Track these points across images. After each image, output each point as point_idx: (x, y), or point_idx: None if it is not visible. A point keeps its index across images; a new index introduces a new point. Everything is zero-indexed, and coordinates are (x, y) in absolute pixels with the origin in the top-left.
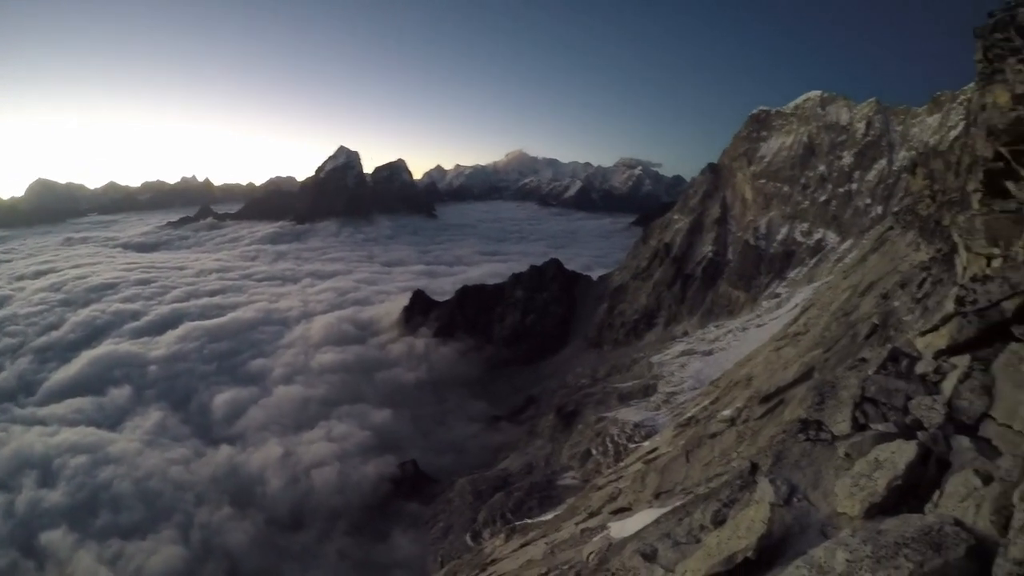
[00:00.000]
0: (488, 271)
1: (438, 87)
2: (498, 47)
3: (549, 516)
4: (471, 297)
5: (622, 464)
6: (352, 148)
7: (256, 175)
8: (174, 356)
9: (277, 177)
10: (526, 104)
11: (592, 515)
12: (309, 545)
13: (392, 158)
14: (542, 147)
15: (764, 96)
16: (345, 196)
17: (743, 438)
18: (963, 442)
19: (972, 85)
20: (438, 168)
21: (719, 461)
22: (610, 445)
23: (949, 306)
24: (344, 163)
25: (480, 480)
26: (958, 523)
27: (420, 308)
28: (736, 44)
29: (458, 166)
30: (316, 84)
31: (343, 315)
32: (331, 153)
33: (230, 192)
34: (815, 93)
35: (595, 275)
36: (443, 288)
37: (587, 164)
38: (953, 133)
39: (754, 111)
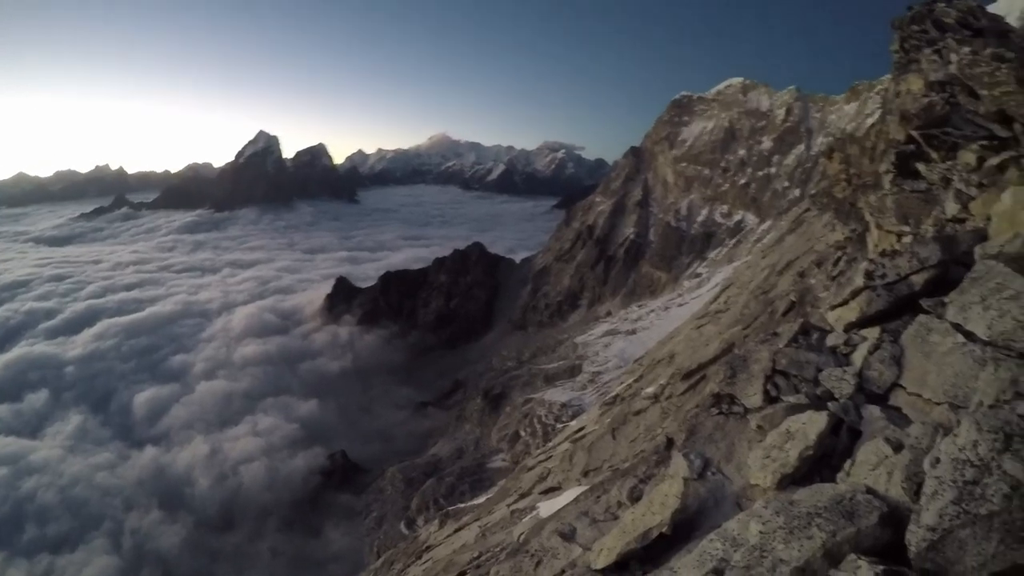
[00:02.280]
0: (411, 256)
1: (360, 70)
2: (420, 28)
3: (481, 499)
4: (394, 283)
5: (550, 444)
6: (272, 132)
7: (173, 162)
8: (92, 355)
9: (194, 163)
10: (449, 87)
11: (523, 496)
12: (241, 545)
13: (313, 142)
14: (465, 130)
15: (687, 82)
16: (265, 182)
17: (667, 414)
18: (874, 411)
19: (889, 76)
20: (360, 152)
21: (644, 437)
22: (538, 426)
23: (859, 280)
24: (264, 148)
25: (411, 467)
26: (870, 491)
27: (343, 295)
28: (660, 29)
29: (380, 150)
30: (235, 66)
31: (265, 305)
32: (250, 138)
33: (146, 180)
34: (737, 80)
35: (518, 258)
36: (366, 274)
37: (510, 147)
38: (870, 121)
39: (676, 96)
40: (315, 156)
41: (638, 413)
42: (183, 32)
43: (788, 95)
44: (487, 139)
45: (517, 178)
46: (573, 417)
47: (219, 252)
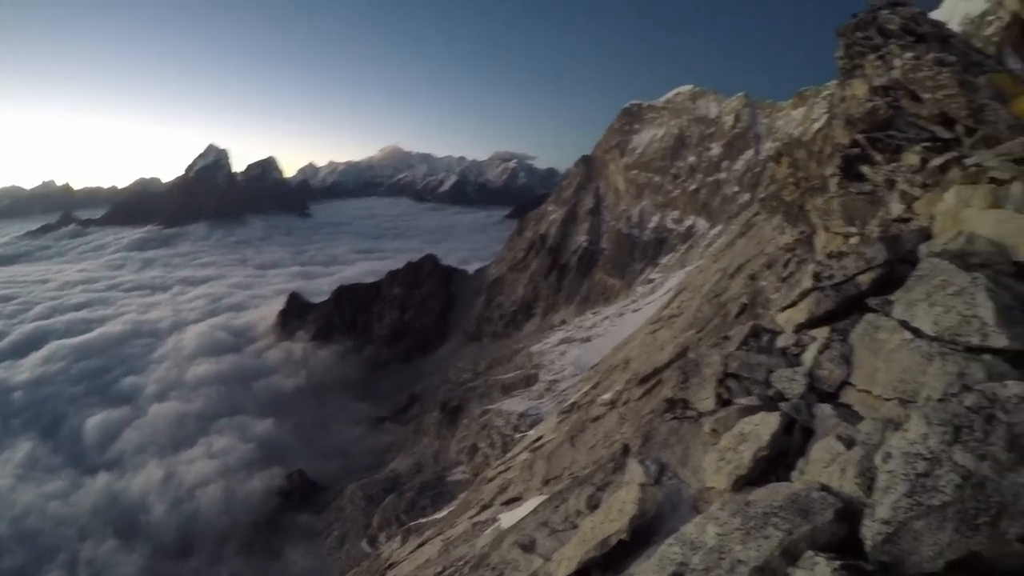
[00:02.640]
0: (364, 269)
1: (311, 81)
2: (371, 40)
3: (443, 513)
4: (348, 297)
5: (510, 455)
6: (222, 146)
7: (121, 177)
8: (40, 379)
9: (143, 178)
10: (401, 98)
11: (484, 508)
12: (200, 570)
13: (263, 155)
14: (417, 142)
15: (637, 90)
16: (215, 197)
17: (624, 419)
18: (825, 410)
19: (834, 81)
20: (311, 165)
21: (603, 444)
22: (497, 437)
23: (807, 282)
24: (214, 162)
25: (370, 484)
26: (824, 488)
27: (296, 311)
28: (610, 38)
29: (331, 163)
30: (184, 77)
31: (217, 323)
32: (200, 151)
33: (93, 196)
34: (686, 88)
35: (472, 269)
36: (319, 289)
37: (462, 158)
38: (816, 125)
39: (627, 105)
40: (266, 169)
41: (596, 420)
42: (130, 43)
43: (736, 101)
44: (439, 150)
45: (469, 189)
46: (531, 426)
47: (169, 269)
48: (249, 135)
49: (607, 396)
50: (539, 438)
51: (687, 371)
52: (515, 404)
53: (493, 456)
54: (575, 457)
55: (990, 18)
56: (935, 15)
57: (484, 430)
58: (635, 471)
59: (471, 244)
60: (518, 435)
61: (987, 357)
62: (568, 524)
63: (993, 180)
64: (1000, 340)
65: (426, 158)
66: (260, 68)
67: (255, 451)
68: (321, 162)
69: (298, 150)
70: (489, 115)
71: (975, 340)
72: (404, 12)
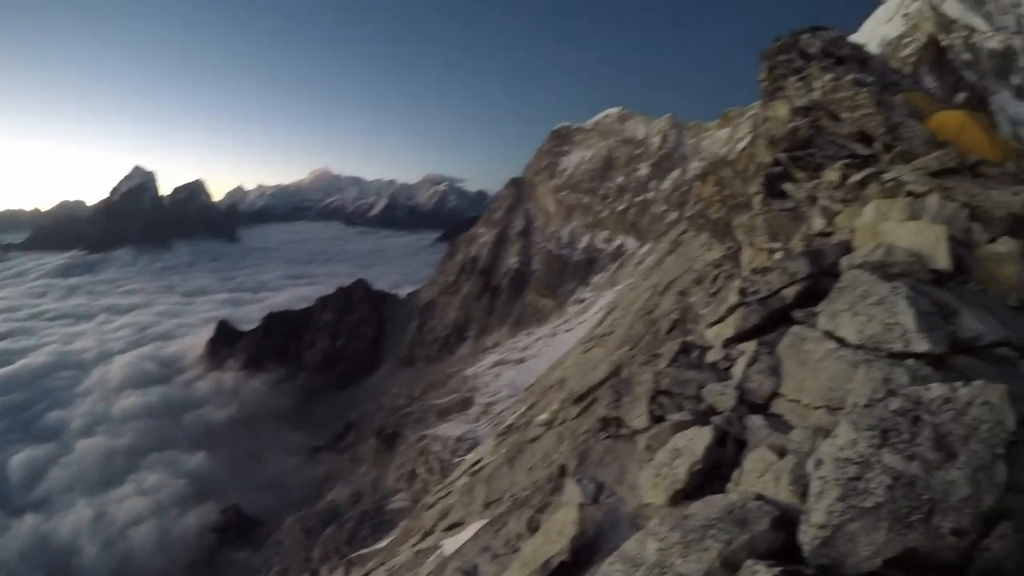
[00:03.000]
0: (294, 296)
1: (240, 102)
2: (301, 61)
3: (384, 543)
4: (278, 324)
5: (449, 480)
6: (148, 167)
7: (43, 199)
8: None
9: (66, 201)
10: (330, 121)
11: (426, 535)
12: None
13: (191, 178)
14: (347, 165)
15: (566, 112)
16: (141, 221)
17: (562, 439)
18: (756, 421)
19: (758, 102)
20: (239, 189)
21: (542, 464)
22: (435, 462)
23: (733, 298)
24: (139, 184)
25: (308, 516)
26: (760, 497)
27: (226, 339)
28: (539, 61)
29: (260, 186)
30: (109, 96)
31: (144, 353)
32: (126, 173)
33: (13, 219)
34: (614, 110)
35: (403, 293)
36: (249, 316)
37: (392, 181)
38: (741, 145)
39: (556, 127)
40: (193, 193)
41: (533, 440)
42: (52, 59)
43: (663, 123)
44: (369, 173)
45: (400, 212)
46: (469, 450)
47: (94, 297)
48: (176, 157)
49: (543, 416)
50: (478, 461)
51: (619, 390)
52: (452, 428)
53: (432, 482)
54: (515, 479)
55: (907, 40)
56: (854, 38)
57: (422, 456)
58: (573, 491)
59: (402, 268)
60: (456, 459)
61: (910, 362)
62: (510, 548)
63: (910, 193)
64: (922, 345)
65: (356, 181)
66: (188, 87)
67: (188, 487)
68: (250, 185)
69: (227, 173)
70: (419, 138)
71: (898, 346)
72: (333, 34)
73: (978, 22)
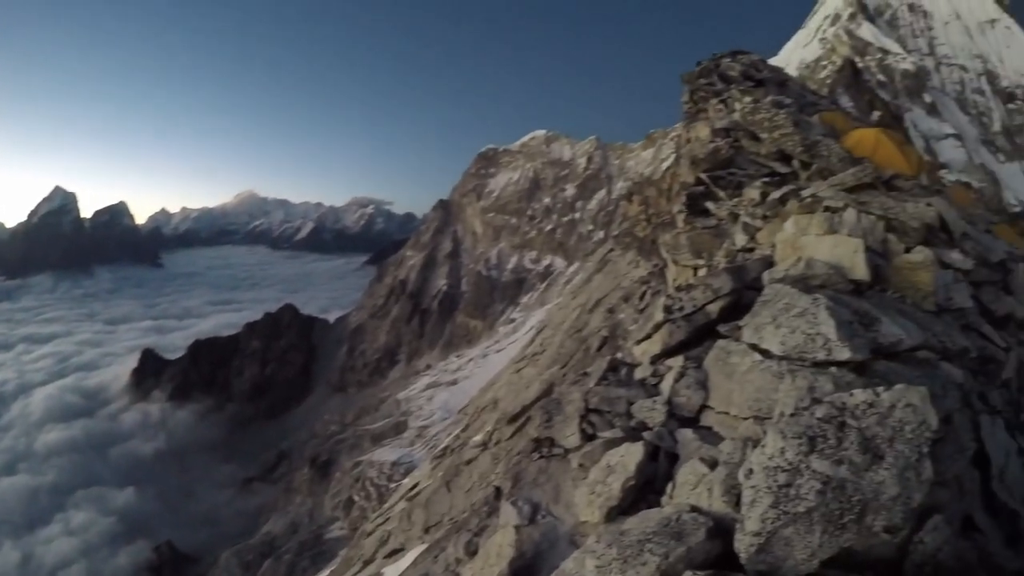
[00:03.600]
0: (221, 322)
1: (164, 121)
2: (228, 81)
3: (325, 573)
4: (205, 352)
5: (387, 506)
6: (69, 188)
7: None
8: None
9: None
10: (256, 142)
11: (367, 563)
12: None
13: (113, 200)
14: (273, 187)
15: (492, 135)
16: (61, 245)
17: (497, 459)
18: (687, 434)
19: (681, 124)
20: (163, 211)
21: (479, 486)
22: (371, 488)
23: (659, 315)
24: (60, 206)
25: (245, 550)
26: (694, 509)
27: (151, 369)
28: (466, 84)
29: (185, 209)
30: (28, 114)
31: (66, 385)
32: (45, 194)
33: None
34: (540, 132)
35: (332, 318)
36: (174, 344)
37: (319, 204)
38: (665, 164)
39: (483, 149)
40: (115, 216)
41: (469, 462)
42: None
43: (589, 144)
44: (296, 196)
45: (327, 235)
46: (406, 474)
47: (12, 326)
48: (98, 177)
49: (478, 438)
50: (415, 486)
51: (550, 410)
52: (387, 453)
53: (370, 508)
54: (453, 502)
55: (824, 63)
56: (774, 61)
57: (358, 482)
58: (508, 513)
59: (330, 292)
60: (393, 485)
61: (833, 370)
62: (449, 573)
63: (828, 208)
64: (843, 353)
65: (283, 204)
66: (111, 105)
67: (117, 524)
68: (174, 208)
69: (150, 194)
70: (346, 160)
71: (821, 355)
72: (259, 54)
73: (892, 45)
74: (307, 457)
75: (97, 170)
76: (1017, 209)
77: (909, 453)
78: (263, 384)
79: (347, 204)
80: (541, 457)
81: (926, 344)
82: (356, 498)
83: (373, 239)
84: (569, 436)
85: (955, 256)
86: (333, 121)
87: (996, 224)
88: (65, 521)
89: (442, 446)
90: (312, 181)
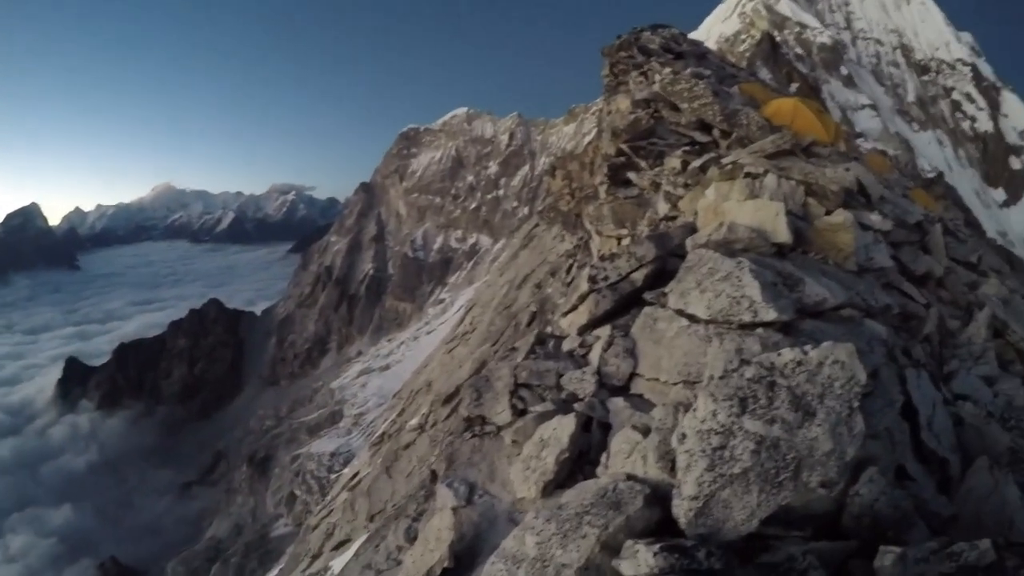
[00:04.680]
0: (145, 323)
1: (73, 115)
2: (138, 69)
3: (274, 572)
4: (131, 356)
5: (329, 497)
6: None
7: None
8: None
9: None
10: (171, 132)
11: (315, 558)
12: None
13: (24, 202)
14: (191, 178)
15: (413, 114)
16: None
17: (435, 441)
18: (618, 403)
19: (602, 98)
20: (77, 211)
21: (419, 469)
22: (312, 481)
23: (584, 286)
24: None
25: (191, 557)
26: (630, 477)
27: (77, 378)
28: (385, 64)
29: (100, 206)
30: None
31: None
32: None
33: None
34: (462, 110)
35: (259, 310)
36: (99, 350)
37: (239, 193)
38: (587, 139)
39: (404, 129)
40: (28, 218)
41: (407, 447)
42: None
43: (511, 121)
44: (215, 186)
45: (248, 225)
46: (345, 464)
47: None
48: (5, 180)
49: (414, 421)
50: (355, 475)
51: (479, 388)
52: (325, 444)
53: (313, 502)
54: (394, 488)
55: (743, 37)
56: (694, 35)
57: (298, 476)
58: (444, 495)
59: (256, 284)
60: (334, 475)
61: (760, 331)
62: (392, 562)
63: (748, 175)
64: (769, 314)
65: (201, 195)
66: (16, 100)
67: (58, 545)
68: (88, 206)
69: (63, 194)
70: (265, 147)
71: (747, 317)
72: (171, 42)
73: (809, 19)
74: (245, 455)
75: (3, 172)
76: (931, 175)
77: (840, 409)
78: (193, 384)
79: (268, 192)
80: (474, 436)
81: (850, 303)
82: (298, 492)
83: (296, 226)
84: (500, 413)
85: (874, 218)
86: (250, 107)
87: (912, 189)
88: (3, 547)
89: (379, 432)
90: (231, 170)
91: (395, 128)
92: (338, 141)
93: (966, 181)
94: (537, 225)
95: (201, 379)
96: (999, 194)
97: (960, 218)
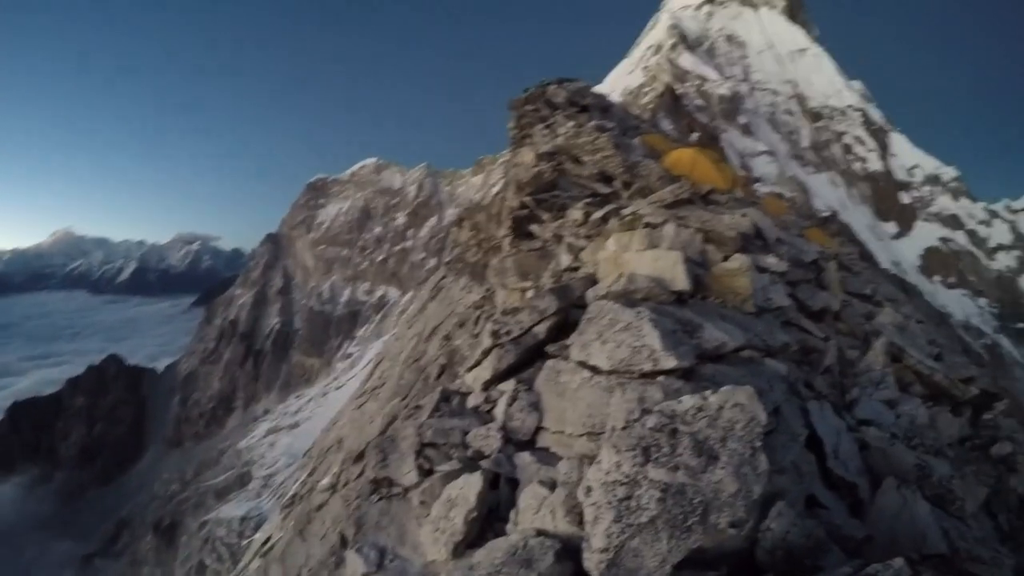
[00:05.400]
0: (41, 379)
1: None
2: (39, 111)
3: None
4: (25, 415)
5: (241, 565)
6: None
7: None
8: None
9: None
10: (73, 177)
11: None
12: None
13: None
14: (92, 225)
15: (322, 164)
16: None
17: (348, 501)
18: (525, 458)
19: (508, 150)
20: None
21: (332, 532)
22: (223, 549)
23: (487, 340)
24: None
25: None
26: (540, 533)
27: None
28: (294, 112)
29: None
30: None
31: None
32: None
33: None
34: (371, 160)
35: (161, 366)
36: None
37: (141, 242)
38: (495, 190)
39: (312, 179)
40: None
41: (320, 508)
42: None
43: (419, 172)
44: (116, 233)
45: (151, 276)
46: (257, 529)
47: None
48: None
49: (326, 481)
50: (268, 540)
51: (385, 449)
52: (234, 509)
53: (224, 571)
54: (309, 551)
55: (647, 89)
56: (599, 88)
57: (207, 544)
58: (354, 562)
59: (158, 339)
60: (245, 541)
61: (661, 379)
62: None
63: (648, 225)
64: (669, 361)
65: (103, 243)
66: None
67: None
68: None
69: None
70: (170, 195)
71: (648, 366)
72: (73, 86)
73: (709, 72)
74: (149, 523)
75: None
76: (826, 214)
77: (742, 450)
78: (92, 446)
79: (172, 241)
80: (381, 499)
81: (749, 344)
82: (208, 561)
83: (200, 278)
84: (407, 473)
85: (770, 260)
86: (156, 154)
87: (808, 228)
88: None
89: (290, 494)
90: (134, 217)
91: (303, 178)
92: (245, 190)
93: (859, 217)
94: (445, 277)
95: (101, 441)
96: (891, 227)
97: (855, 252)
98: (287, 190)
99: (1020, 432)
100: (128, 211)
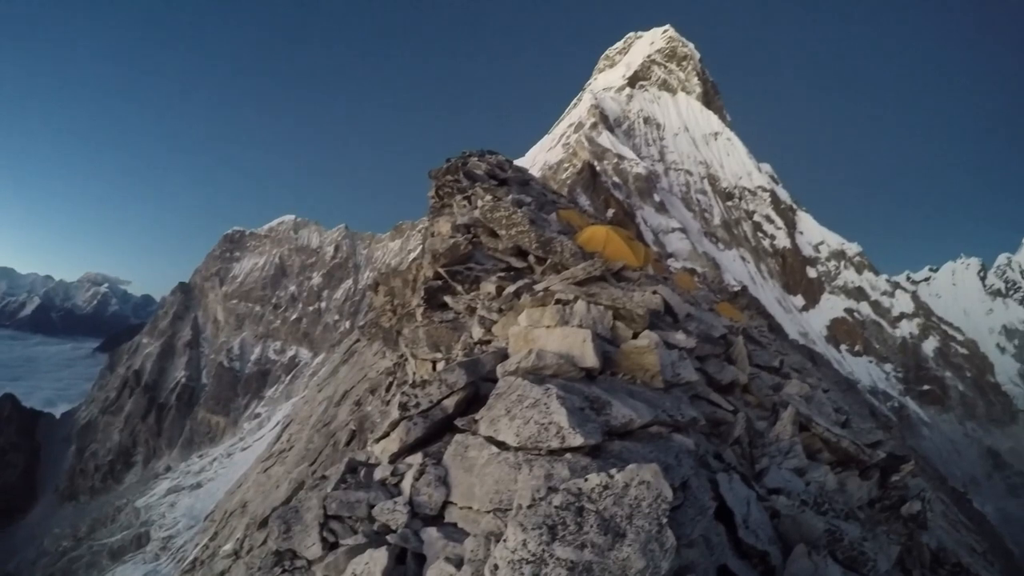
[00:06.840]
0: None
1: None
2: None
3: None
4: None
5: None
6: None
7: None
8: None
9: None
10: None
11: None
12: None
13: None
14: None
15: (239, 216)
16: None
17: (252, 569)
18: (432, 533)
19: (427, 217)
20: None
21: None
22: None
23: (395, 412)
24: None
25: None
26: None
27: None
28: (213, 163)
29: None
30: None
31: None
32: None
33: None
34: (289, 217)
35: (59, 412)
36: None
37: (48, 277)
38: (412, 256)
39: (229, 230)
40: None
41: (222, 574)
42: None
43: (337, 232)
44: (22, 264)
45: (55, 314)
46: None
47: None
48: None
49: (228, 547)
50: None
51: (288, 519)
52: (129, 571)
53: None
54: None
55: (566, 165)
56: (520, 162)
57: None
58: None
59: (56, 382)
60: None
61: (568, 456)
62: None
63: (559, 301)
64: (576, 439)
65: (7, 273)
66: None
67: None
68: None
69: None
70: (80, 232)
71: (555, 443)
72: None
73: (627, 151)
74: None
75: None
76: (736, 288)
77: (649, 526)
78: None
79: (79, 280)
80: (284, 571)
81: (657, 420)
82: None
83: (106, 322)
84: (311, 547)
85: (679, 337)
86: (69, 191)
87: (719, 302)
88: None
89: (190, 558)
90: (41, 249)
91: (220, 228)
92: (161, 235)
93: (768, 291)
94: (358, 340)
95: None
96: (799, 300)
97: (764, 325)
98: (204, 239)
99: (928, 490)
100: (35, 242)
